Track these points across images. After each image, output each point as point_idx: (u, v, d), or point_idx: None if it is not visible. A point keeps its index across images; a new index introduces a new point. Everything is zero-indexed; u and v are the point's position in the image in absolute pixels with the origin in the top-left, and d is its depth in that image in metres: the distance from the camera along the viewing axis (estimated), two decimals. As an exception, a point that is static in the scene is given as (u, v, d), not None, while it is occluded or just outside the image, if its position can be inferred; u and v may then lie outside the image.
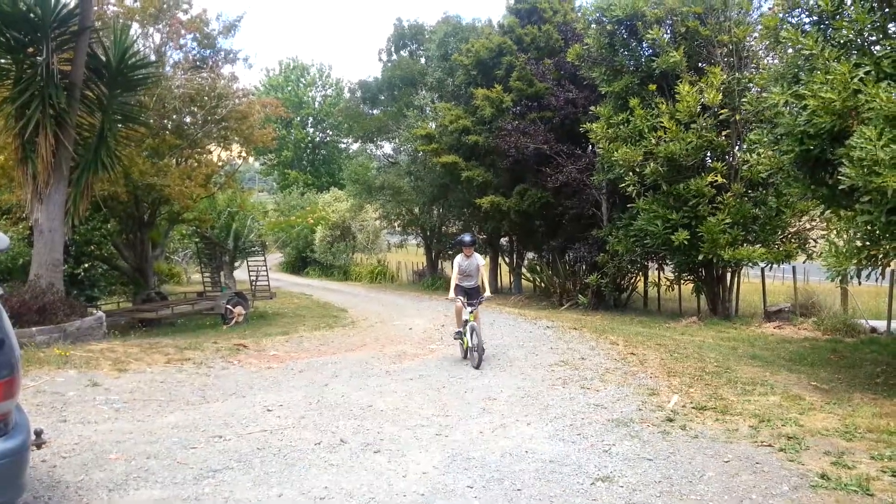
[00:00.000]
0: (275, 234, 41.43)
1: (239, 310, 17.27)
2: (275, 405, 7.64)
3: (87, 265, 14.92)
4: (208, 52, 19.34)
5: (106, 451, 5.93)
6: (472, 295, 10.28)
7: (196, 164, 18.13)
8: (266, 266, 22.92)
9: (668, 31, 15.83)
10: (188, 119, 18.01)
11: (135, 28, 16.91)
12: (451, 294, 10.15)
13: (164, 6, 17.59)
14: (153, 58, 17.08)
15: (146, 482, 5.23)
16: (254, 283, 22.22)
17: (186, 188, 16.25)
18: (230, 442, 6.25)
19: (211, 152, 19.34)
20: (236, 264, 24.71)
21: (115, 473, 5.38)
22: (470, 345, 9.90)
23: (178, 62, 18.34)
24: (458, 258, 10.42)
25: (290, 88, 63.99)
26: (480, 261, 10.59)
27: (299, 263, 43.25)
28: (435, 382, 8.88)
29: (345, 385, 8.78)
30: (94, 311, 12.85)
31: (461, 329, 10.36)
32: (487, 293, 10.48)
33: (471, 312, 9.99)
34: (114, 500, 4.87)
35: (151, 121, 16.25)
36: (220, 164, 20.04)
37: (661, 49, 15.45)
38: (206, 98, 17.27)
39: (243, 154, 20.60)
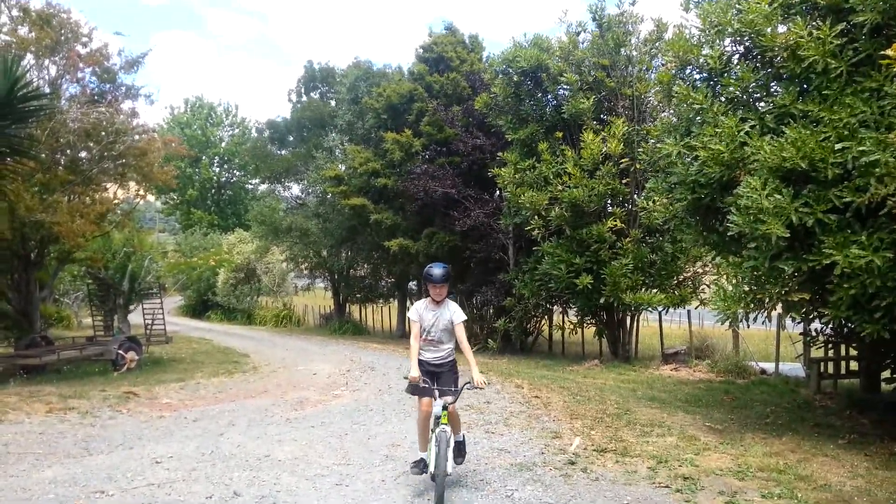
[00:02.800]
0: (174, 276, 39.86)
1: (131, 355, 16.36)
2: (164, 457, 7.20)
3: (-37, 308, 13.84)
4: (108, 86, 18.65)
5: (-31, 511, 5.41)
6: (443, 376, 5.95)
7: (89, 200, 17.27)
8: (162, 309, 21.93)
9: (578, 81, 16.43)
10: (83, 154, 17.19)
11: (28, 59, 16.14)
12: (413, 371, 5.79)
13: (62, 38, 16.90)
14: (47, 90, 16.30)
15: (13, 545, 4.77)
16: (149, 326, 21.19)
17: (77, 226, 15.41)
18: (113, 497, 5.82)
19: (107, 189, 18.48)
20: (131, 307, 23.52)
21: (-23, 536, 4.89)
22: (431, 468, 5.59)
23: (74, 96, 17.58)
24: (420, 307, 6.04)
25: (196, 127, 62.56)
26: (458, 314, 6.00)
27: (200, 307, 41.70)
28: (338, 430, 8.63)
29: (242, 434, 8.39)
30: (-31, 358, 11.88)
31: (425, 453, 5.91)
32: (478, 376, 5.72)
33: (444, 409, 5.57)
34: (-27, 567, 4.41)
35: (43, 155, 15.41)
36: (116, 201, 19.16)
37: (573, 94, 16.05)
38: (103, 133, 16.55)
39: (141, 192, 19.80)
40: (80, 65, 17.56)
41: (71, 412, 9.62)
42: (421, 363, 5.90)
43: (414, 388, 5.72)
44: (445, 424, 5.56)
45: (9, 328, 18.16)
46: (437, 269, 5.86)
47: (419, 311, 5.98)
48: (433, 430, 5.62)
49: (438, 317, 5.91)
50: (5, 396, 10.28)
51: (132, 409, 10.09)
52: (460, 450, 6.10)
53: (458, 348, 6.01)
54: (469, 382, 5.63)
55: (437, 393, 5.69)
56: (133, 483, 6.25)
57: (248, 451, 7.45)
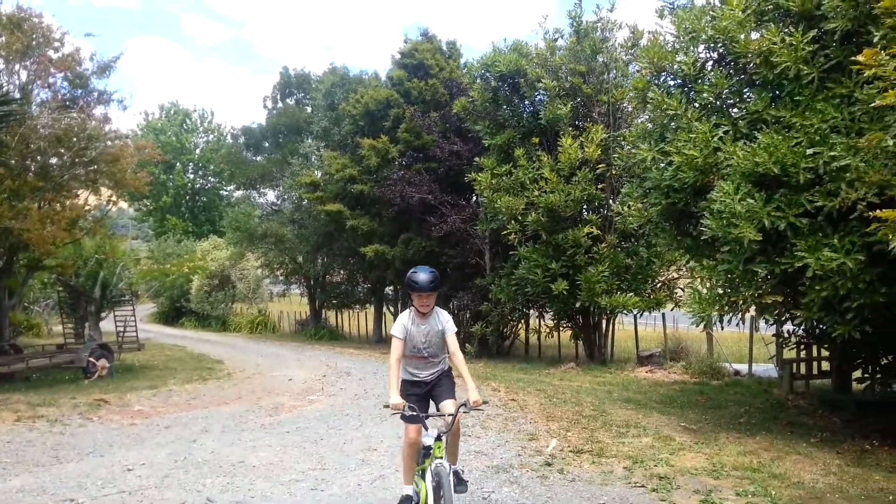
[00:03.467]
0: (147, 283, 39.33)
1: (102, 362, 16.08)
2: (136, 464, 7.09)
3: (-72, 315, 13.53)
4: (80, 91, 18.40)
5: (-67, 521, 5.27)
6: (441, 385, 5.17)
7: (60, 207, 16.98)
8: (135, 316, 21.62)
9: (556, 87, 16.50)
10: (54, 160, 16.93)
11: (-1, 64, 15.88)
12: (393, 398, 4.68)
13: (33, 43, 16.64)
14: (18, 95, 16.04)
15: (-22, 555, 4.66)
16: (121, 334, 20.86)
17: (48, 233, 15.14)
18: (82, 505, 5.71)
19: (78, 196, 18.20)
20: (103, 314, 23.15)
21: (-59, 546, 4.77)
22: None
23: (45, 101, 17.30)
24: (406, 322, 5.03)
25: (171, 133, 61.91)
26: (448, 323, 5.07)
27: (174, 314, 41.20)
28: (313, 435, 8.55)
29: (215, 441, 8.29)
30: (-66, 366, 11.62)
31: (410, 487, 4.96)
32: (475, 393, 4.74)
33: (436, 441, 4.61)
34: (-63, 578, 4.30)
35: (13, 161, 15.16)
36: (87, 208, 18.87)
37: (550, 100, 16.11)
38: (74, 139, 16.30)
39: (114, 198, 19.52)
40: (52, 70, 17.30)
41: (40, 420, 9.44)
42: (413, 383, 5.08)
43: (399, 408, 4.58)
44: (440, 458, 4.51)
45: (-24, 337, 17.79)
46: (422, 275, 4.77)
47: (405, 326, 4.94)
48: (426, 465, 4.65)
49: (429, 330, 4.96)
50: (-28, 405, 10.06)
51: (103, 417, 9.92)
52: (460, 479, 4.95)
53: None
54: (465, 404, 4.62)
55: (425, 417, 4.71)
56: (104, 491, 6.14)
57: (221, 458, 7.36)
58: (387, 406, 4.60)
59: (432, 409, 5.08)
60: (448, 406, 4.88)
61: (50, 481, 6.46)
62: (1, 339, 16.70)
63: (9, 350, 16.25)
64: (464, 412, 4.72)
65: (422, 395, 5.04)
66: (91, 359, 15.95)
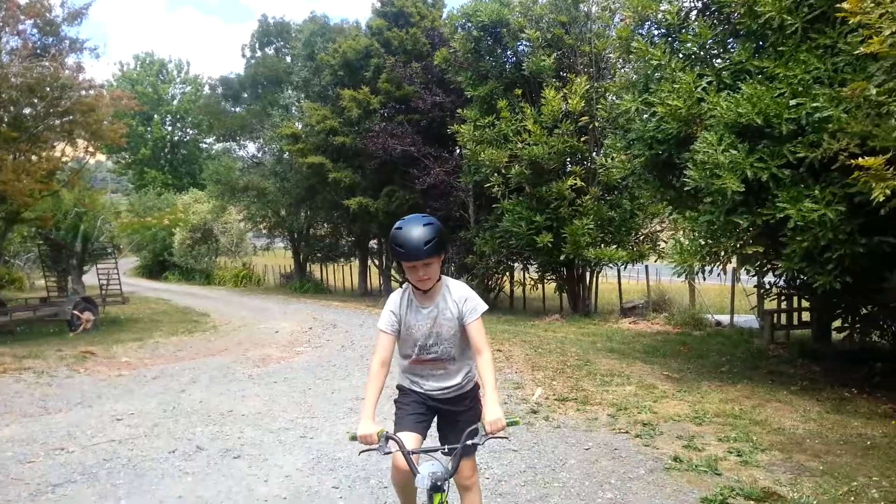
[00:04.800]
0: (129, 237, 39.05)
1: (87, 315, 16.08)
2: (125, 414, 7.15)
3: None
4: (51, 39, 17.92)
5: (-75, 471, 5.31)
6: (458, 418, 3.20)
7: (36, 158, 16.72)
8: (118, 269, 21.53)
9: (539, 38, 16.31)
10: (27, 111, 16.58)
11: (-35, 11, 15.41)
12: (362, 426, 2.88)
13: (0, -12, 16.13)
14: (-14, 43, 15.62)
15: (-28, 503, 4.72)
16: (104, 287, 20.80)
17: (24, 185, 14.93)
18: (73, 454, 5.77)
19: (54, 147, 17.90)
20: (85, 268, 23.02)
21: (-66, 495, 4.82)
22: None
23: (15, 49, 16.85)
24: (396, 303, 3.18)
25: (147, 84, 60.69)
26: (467, 302, 3.10)
27: (157, 268, 41.08)
28: (300, 385, 8.65)
29: (204, 391, 8.36)
30: (-84, 320, 11.56)
31: None
32: (493, 411, 2.80)
33: (433, 491, 2.78)
34: (-68, 525, 4.36)
35: (-16, 111, 14.85)
36: (64, 159, 18.59)
37: (533, 51, 15.92)
38: (47, 89, 15.96)
39: (91, 150, 19.22)
40: (21, 16, 16.81)
41: (26, 372, 9.45)
42: (414, 392, 3.25)
43: (386, 452, 2.83)
44: None
45: (-43, 290, 17.68)
46: (414, 231, 2.89)
47: (395, 314, 3.14)
48: None
49: (436, 316, 3.11)
50: (-44, 358, 10.05)
51: (90, 369, 9.95)
52: None
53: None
54: (476, 429, 2.83)
55: (426, 456, 2.99)
56: (94, 440, 6.20)
57: (210, 407, 7.44)
58: (354, 438, 2.87)
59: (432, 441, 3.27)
60: (426, 471, 2.80)
61: (40, 431, 6.51)
62: (-18, 294, 16.59)
63: (-9, 304, 16.18)
64: (478, 443, 2.84)
65: (425, 407, 3.23)
66: (75, 312, 15.93)
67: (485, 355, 2.99)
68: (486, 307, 3.13)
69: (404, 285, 3.22)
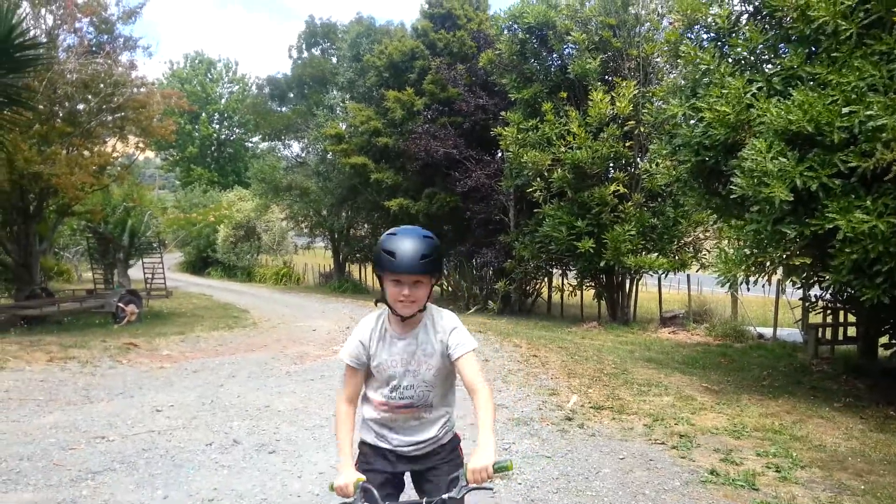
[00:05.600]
0: (174, 232, 39.84)
1: (132, 308, 16.43)
2: (165, 405, 7.28)
3: (-37, 258, 13.84)
4: (106, 37, 18.40)
5: (-28, 453, 5.48)
6: (431, 475, 2.67)
7: (88, 153, 17.17)
8: (163, 264, 21.98)
9: (585, 40, 16.19)
10: (81, 106, 17.04)
11: (25, 7, 15.87)
12: (342, 474, 2.41)
13: (59, -14, 16.61)
14: (44, 39, 16.07)
15: (17, 484, 4.85)
16: (149, 281, 21.25)
17: (76, 178, 15.32)
18: (114, 443, 5.89)
19: (105, 142, 18.36)
20: (131, 262, 23.55)
21: (-19, 477, 4.96)
22: None
23: (72, 46, 17.33)
24: (365, 332, 2.61)
25: (196, 82, 61.93)
26: (455, 335, 2.54)
27: (200, 263, 41.76)
28: (336, 383, 8.69)
29: (241, 386, 8.47)
30: (-31, 307, 11.93)
31: None
32: (484, 456, 2.25)
33: None
34: (-23, 506, 4.49)
35: (41, 106, 15.26)
36: (115, 155, 19.05)
37: (579, 54, 15.82)
38: (101, 85, 16.38)
39: (141, 146, 19.67)
40: (78, 14, 17.28)
41: (71, 361, 9.69)
42: (379, 452, 2.68)
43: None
44: None
45: (9, 280, 18.22)
46: (407, 242, 2.42)
47: (363, 344, 2.60)
48: None
49: (414, 351, 2.58)
50: (6, 345, 10.34)
51: (132, 360, 10.16)
52: None
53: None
54: (457, 477, 2.38)
55: None
56: (134, 430, 6.32)
57: (247, 402, 7.53)
58: (332, 489, 2.42)
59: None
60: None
61: (82, 419, 6.66)
62: (33, 284, 17.06)
63: (41, 294, 16.63)
64: (454, 497, 2.36)
65: (392, 467, 2.67)
66: (120, 304, 16.29)
67: (482, 393, 2.43)
68: (476, 343, 2.56)
69: (378, 310, 2.63)
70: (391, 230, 2.49)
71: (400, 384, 2.57)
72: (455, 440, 2.75)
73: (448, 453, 2.69)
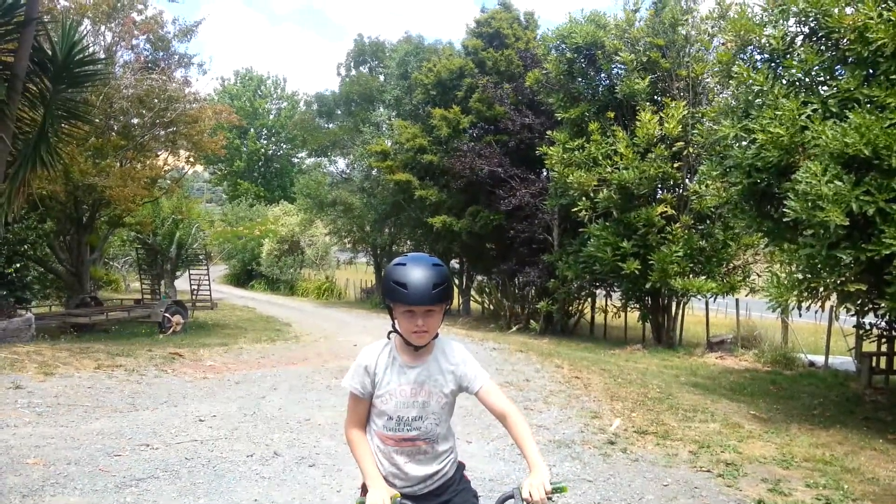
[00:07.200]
0: (220, 245, 40.56)
1: (177, 318, 16.75)
2: (208, 416, 7.35)
3: (18, 265, 14.27)
4: (161, 54, 18.95)
5: (23, 455, 5.59)
6: None
7: (140, 166, 17.63)
8: (209, 276, 22.38)
9: (633, 60, 16.08)
10: (136, 120, 17.53)
11: (86, 24, 16.44)
12: (374, 493, 2.31)
13: (118, 4, 17.16)
14: (103, 56, 16.61)
15: (64, 489, 4.93)
16: (195, 292, 21.65)
17: (128, 191, 15.74)
18: (157, 451, 5.96)
19: (157, 156, 18.85)
20: (178, 273, 24.04)
21: (31, 479, 5.06)
22: None
23: (128, 62, 17.89)
24: (372, 359, 2.51)
25: (245, 98, 63.25)
26: (466, 367, 2.51)
27: (244, 276, 42.41)
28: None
29: (283, 398, 8.51)
30: (24, 313, 12.28)
31: None
32: (538, 474, 2.24)
33: None
34: (25, 508, 4.56)
35: (97, 120, 15.74)
36: (166, 168, 19.54)
37: (627, 74, 15.72)
38: (155, 100, 16.85)
39: (191, 160, 20.12)
40: (135, 32, 17.86)
41: (118, 369, 9.86)
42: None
43: None
44: None
45: (60, 288, 18.76)
46: (417, 271, 2.34)
47: (370, 372, 2.49)
48: None
49: (424, 382, 2.49)
50: (57, 352, 10.58)
51: (177, 370, 10.31)
52: None
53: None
54: (511, 494, 2.28)
55: None
56: (177, 438, 6.39)
57: (288, 415, 7.56)
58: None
59: None
60: None
61: (127, 426, 6.76)
62: (83, 292, 17.52)
63: (90, 302, 17.06)
64: None
65: None
66: (167, 314, 16.60)
67: (516, 415, 2.44)
68: (487, 375, 2.53)
69: (387, 339, 2.55)
70: (398, 259, 2.42)
71: (408, 416, 2.47)
72: (461, 467, 2.68)
73: (457, 483, 2.61)
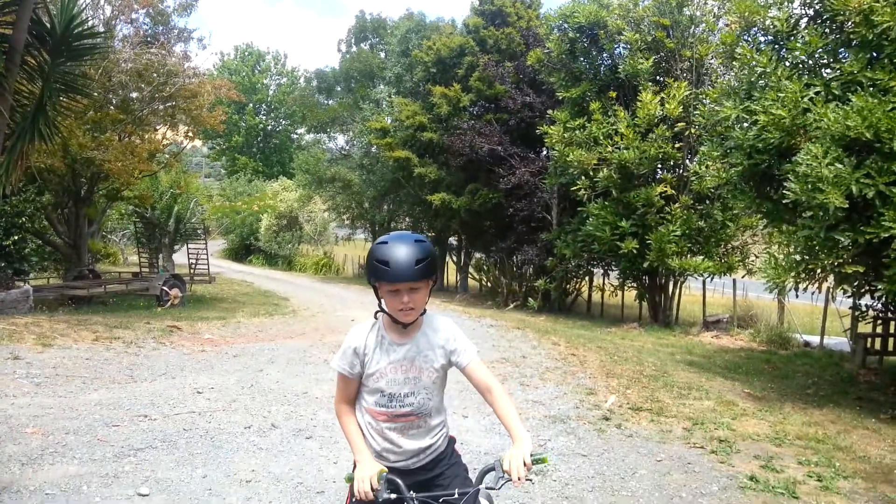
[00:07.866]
0: (218, 220, 40.49)
1: (175, 292, 16.78)
2: (206, 388, 7.40)
3: (16, 237, 14.25)
4: (161, 28, 18.81)
5: (22, 424, 5.64)
6: (432, 485, 2.54)
7: (139, 140, 17.55)
8: (206, 250, 22.39)
9: (637, 40, 15.97)
10: (135, 94, 17.42)
11: (85, -3, 16.28)
12: (362, 467, 2.35)
13: (118, -22, 17.01)
14: (102, 29, 16.46)
15: (63, 457, 4.97)
16: (193, 266, 21.67)
17: (127, 165, 15.68)
18: (155, 422, 6.01)
19: (156, 130, 18.76)
20: (176, 247, 24.05)
21: (30, 447, 5.11)
22: None
23: (128, 36, 17.74)
24: (360, 339, 2.49)
25: (244, 74, 62.83)
26: (455, 342, 2.50)
27: (243, 251, 42.41)
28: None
29: (280, 371, 8.57)
30: (21, 285, 12.29)
31: None
32: (521, 445, 2.24)
33: None
34: (26, 475, 4.61)
35: (95, 93, 15.63)
36: (165, 142, 19.46)
37: (631, 54, 15.63)
38: (154, 74, 16.74)
39: (190, 135, 20.04)
40: (135, 5, 17.70)
41: (116, 341, 9.90)
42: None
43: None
44: None
45: (58, 260, 18.77)
46: (402, 249, 2.33)
47: (357, 352, 2.49)
48: None
49: (415, 358, 2.48)
50: (55, 323, 10.61)
51: (175, 342, 10.35)
52: None
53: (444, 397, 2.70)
54: (492, 466, 2.30)
55: None
56: (175, 410, 6.44)
57: (286, 388, 7.61)
58: (350, 480, 2.39)
59: None
60: None
61: (125, 397, 6.81)
62: (81, 265, 17.53)
63: (88, 275, 17.08)
64: (490, 488, 2.28)
65: (395, 485, 2.32)
66: (164, 287, 16.63)
67: (499, 389, 2.45)
68: (476, 349, 2.54)
69: (374, 318, 2.52)
70: (381, 238, 2.42)
71: (400, 392, 2.48)
72: (452, 441, 2.70)
73: (449, 457, 2.65)
